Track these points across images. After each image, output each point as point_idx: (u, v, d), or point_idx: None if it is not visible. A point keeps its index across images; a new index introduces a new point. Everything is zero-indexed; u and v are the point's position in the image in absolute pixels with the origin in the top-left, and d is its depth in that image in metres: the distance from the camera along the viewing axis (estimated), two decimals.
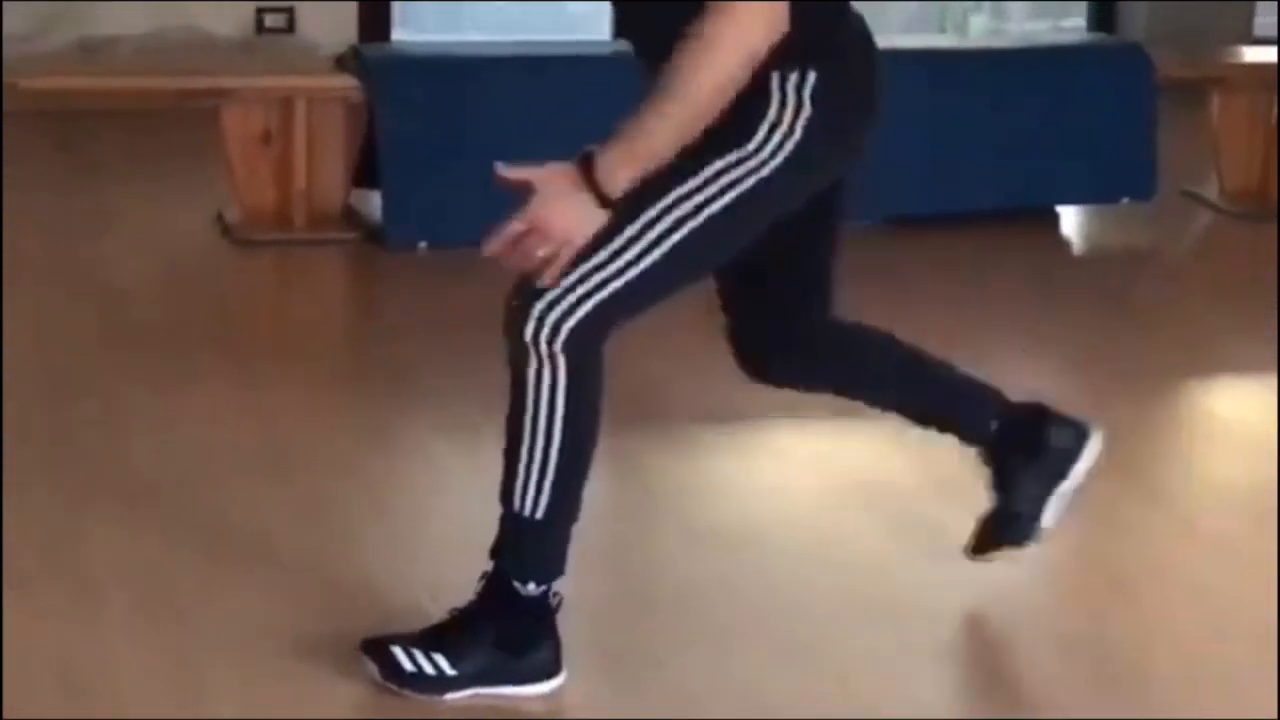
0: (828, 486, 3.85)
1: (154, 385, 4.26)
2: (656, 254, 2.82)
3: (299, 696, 2.93)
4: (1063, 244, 5.84)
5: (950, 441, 3.31)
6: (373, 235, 5.32)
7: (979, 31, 8.55)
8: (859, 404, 3.30)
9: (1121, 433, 4.20)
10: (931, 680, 3.10)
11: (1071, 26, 8.18)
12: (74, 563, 3.38)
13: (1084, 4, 8.07)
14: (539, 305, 2.80)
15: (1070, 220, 5.92)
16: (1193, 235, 5.98)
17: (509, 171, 2.80)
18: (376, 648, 2.98)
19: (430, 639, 2.99)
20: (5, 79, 5.51)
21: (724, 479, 4.04)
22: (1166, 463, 4.28)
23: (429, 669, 2.98)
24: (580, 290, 2.81)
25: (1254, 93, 6.03)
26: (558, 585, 2.96)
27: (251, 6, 6.83)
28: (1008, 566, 3.33)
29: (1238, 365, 4.91)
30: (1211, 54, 6.50)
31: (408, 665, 2.98)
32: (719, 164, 2.80)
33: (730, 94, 2.70)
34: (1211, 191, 6.07)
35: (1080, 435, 3.33)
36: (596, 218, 2.73)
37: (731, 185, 2.82)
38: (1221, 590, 3.40)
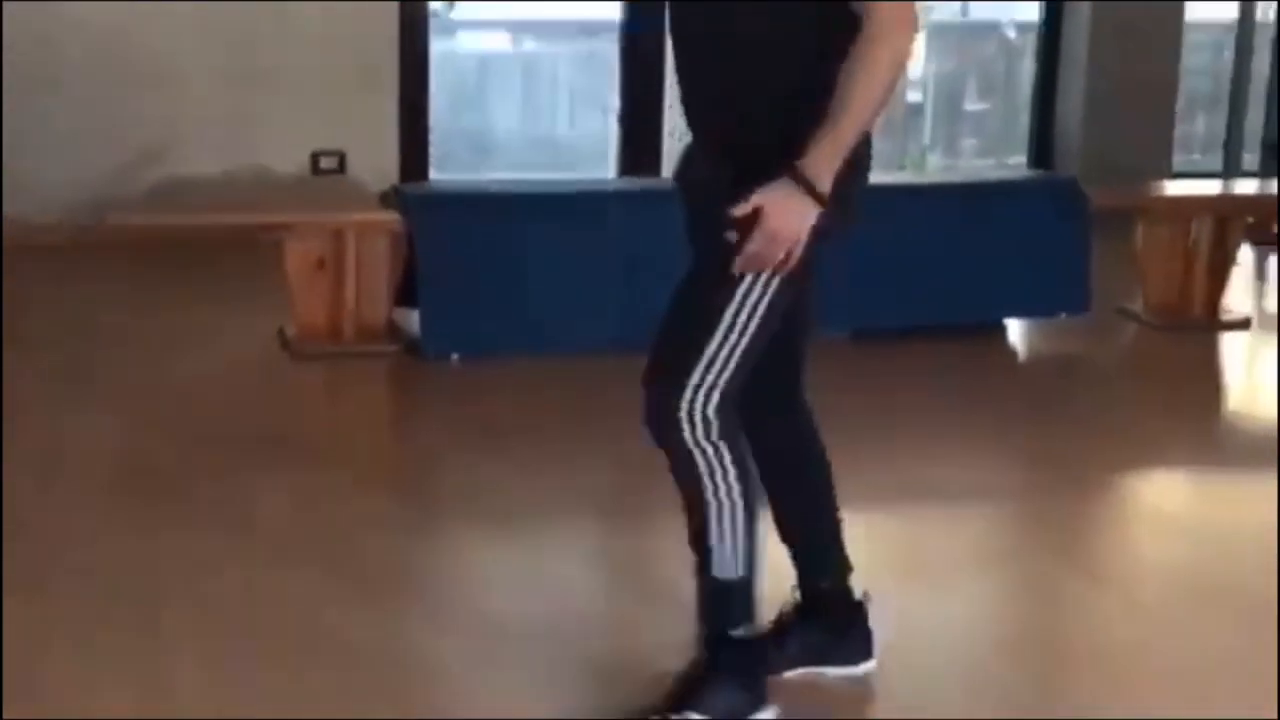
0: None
1: (222, 476, 4.29)
2: (751, 328, 2.82)
3: None
4: (1009, 353, 5.86)
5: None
6: (412, 347, 5.35)
7: (934, 168, 8.56)
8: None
9: (1065, 521, 4.28)
10: None
11: (1014, 163, 8.20)
12: (150, 635, 3.35)
13: (1024, 143, 8.11)
14: (683, 408, 2.83)
15: (1016, 332, 5.95)
16: (1123, 345, 6.00)
17: (739, 210, 2.71)
18: None
19: (678, 701, 3.00)
20: (99, 218, 5.55)
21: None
22: (1107, 548, 4.27)
23: None
24: (708, 381, 2.82)
25: (1174, 221, 6.06)
26: None
27: (308, 150, 6.85)
28: (959, 641, 3.32)
29: (1169, 460, 4.90)
30: (1136, 188, 6.54)
31: None
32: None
33: (892, 93, 2.72)
34: (1138, 307, 6.10)
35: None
36: (814, 211, 2.70)
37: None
38: (1165, 664, 3.35)
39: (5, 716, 2.78)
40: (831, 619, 3.22)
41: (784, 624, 3.22)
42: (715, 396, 2.84)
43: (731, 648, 3.02)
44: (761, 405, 3.04)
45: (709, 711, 2.98)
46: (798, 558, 3.23)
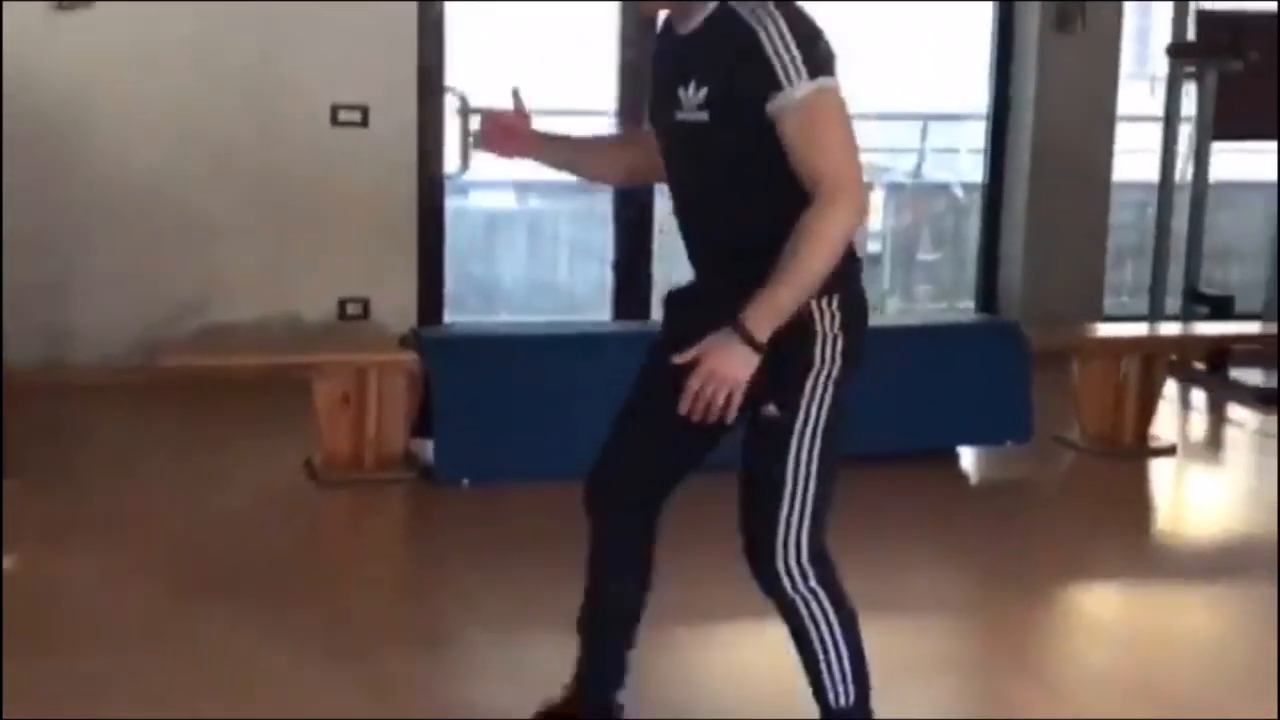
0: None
1: (256, 593, 4.29)
2: (815, 477, 2.86)
3: None
4: (961, 477, 5.86)
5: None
6: (426, 474, 5.35)
7: (893, 311, 8.52)
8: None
9: (1013, 630, 4.29)
10: None
11: (963, 307, 8.20)
12: None
13: (972, 290, 8.12)
14: (779, 566, 2.88)
15: (967, 458, 5.95)
16: (1062, 470, 6.00)
17: (680, 358, 2.75)
18: None
19: None
20: (149, 360, 5.57)
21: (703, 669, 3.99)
22: (1052, 655, 4.23)
23: None
24: (792, 539, 2.86)
25: (1105, 359, 6.07)
26: None
27: (335, 298, 6.85)
28: None
29: (1105, 573, 4.89)
30: (1072, 329, 6.55)
31: None
32: (808, 390, 2.83)
33: (836, 263, 2.72)
34: (1075, 435, 6.10)
35: None
36: (752, 360, 2.71)
37: (824, 397, 2.85)
38: None
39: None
40: None
41: None
42: (804, 547, 2.89)
43: None
44: (638, 505, 3.08)
45: None
46: (593, 666, 3.21)
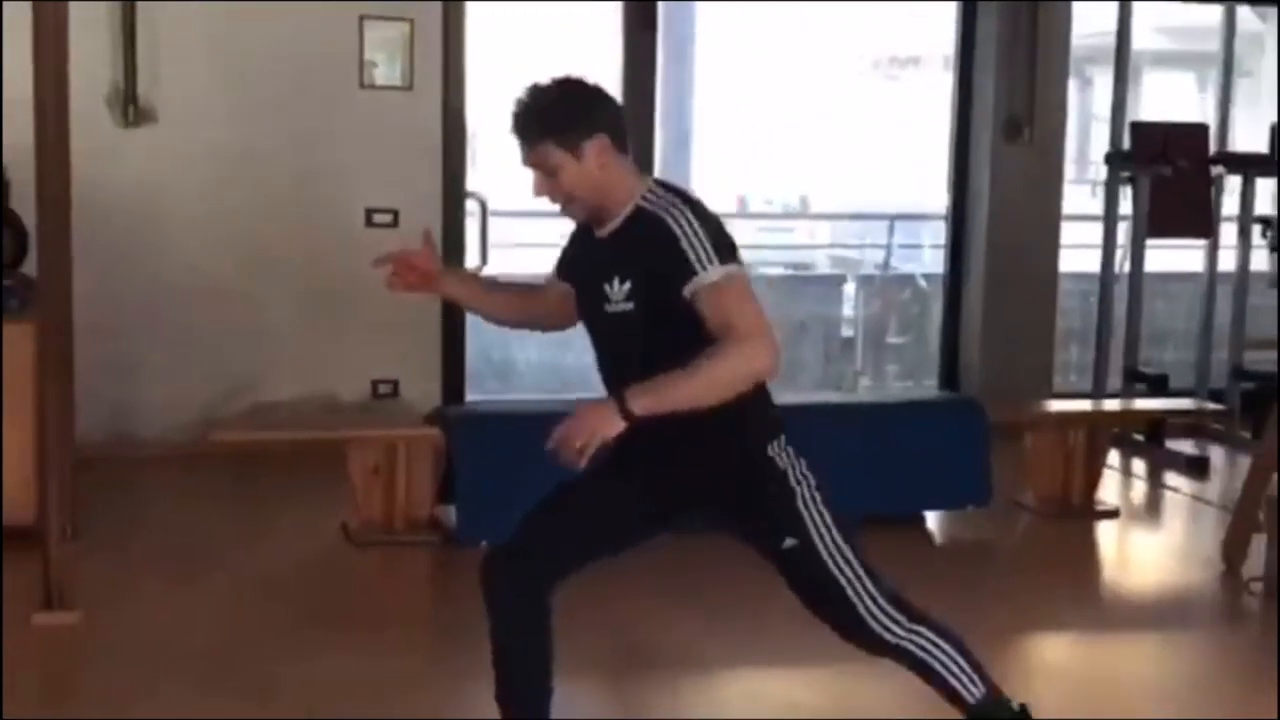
0: None
1: (296, 646, 4.28)
2: (849, 553, 2.94)
3: None
4: (927, 537, 5.81)
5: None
6: (449, 537, 5.32)
7: (864, 389, 8.56)
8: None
9: None
10: None
11: (927, 385, 8.18)
12: None
13: (935, 369, 8.08)
14: (873, 627, 2.94)
15: (932, 521, 5.91)
16: (1017, 531, 5.96)
17: (558, 430, 2.76)
18: None
19: None
20: (203, 435, 5.56)
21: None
22: (1011, 696, 4.16)
23: None
24: (865, 599, 2.93)
25: (1055, 431, 6.06)
26: None
27: (368, 379, 6.84)
28: None
29: (1058, 623, 4.86)
30: (1024, 405, 6.54)
31: None
32: (803, 511, 2.93)
33: (730, 396, 2.74)
34: (1029, 499, 6.08)
35: None
36: (617, 422, 2.71)
37: (817, 504, 2.95)
38: None
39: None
40: None
41: None
42: (880, 599, 2.94)
43: None
44: (538, 585, 3.03)
45: None
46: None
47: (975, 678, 3.06)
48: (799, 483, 2.94)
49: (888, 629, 2.95)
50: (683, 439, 2.84)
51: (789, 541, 2.90)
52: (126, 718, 3.71)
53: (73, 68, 4.50)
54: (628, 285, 2.83)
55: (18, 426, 4.93)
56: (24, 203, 5.17)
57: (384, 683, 3.99)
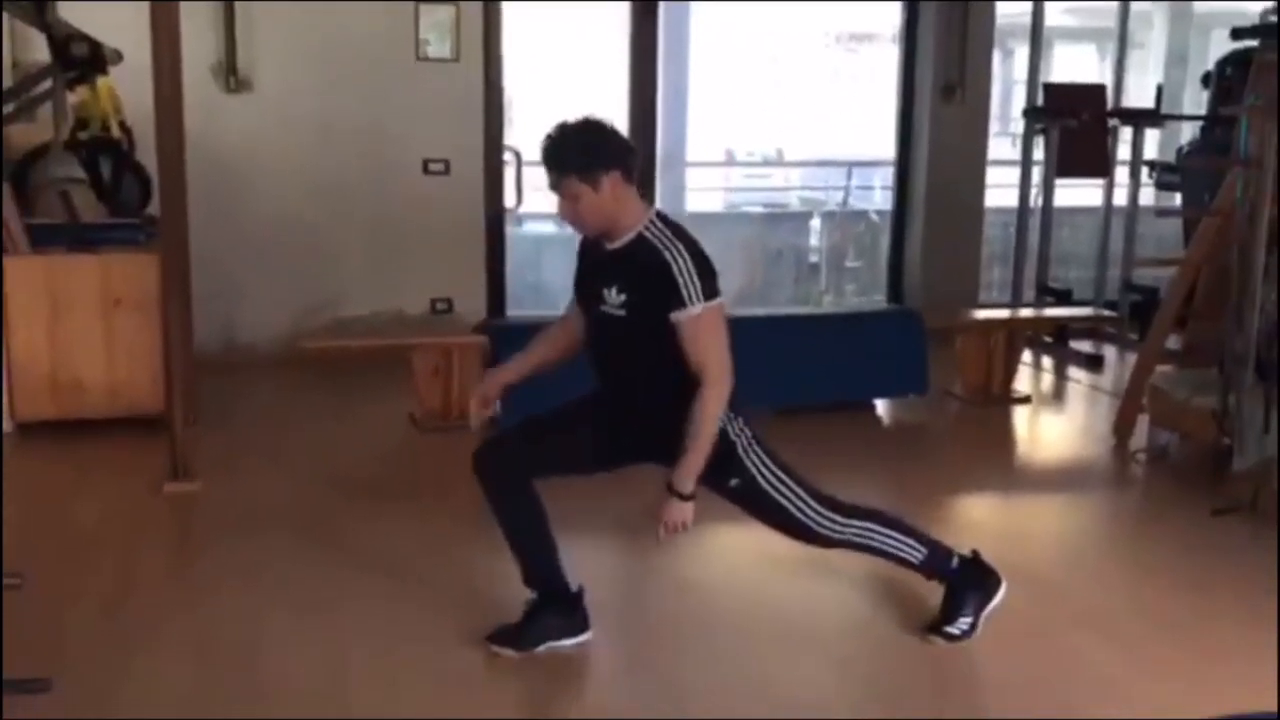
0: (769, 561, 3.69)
1: (371, 509, 4.28)
2: (786, 478, 2.98)
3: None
4: (877, 420, 5.78)
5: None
6: (495, 423, 5.12)
7: (827, 304, 8.54)
8: None
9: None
10: (835, 686, 3.01)
11: (878, 300, 8.10)
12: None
13: (884, 287, 7.98)
14: (817, 531, 3.00)
15: (881, 407, 5.88)
16: (949, 415, 5.92)
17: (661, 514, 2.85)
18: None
19: (940, 617, 3.13)
20: (294, 344, 5.54)
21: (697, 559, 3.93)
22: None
23: (955, 629, 3.13)
24: (806, 510, 2.99)
25: (980, 334, 6.04)
26: None
27: (428, 297, 6.79)
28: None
29: (981, 488, 4.87)
30: (956, 313, 6.48)
31: (955, 629, 3.11)
32: (742, 456, 2.94)
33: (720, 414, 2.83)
34: (958, 390, 6.06)
35: None
36: (688, 508, 2.84)
37: (754, 447, 2.96)
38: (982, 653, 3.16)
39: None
40: (561, 605, 3.12)
41: (530, 613, 3.13)
42: (819, 508, 3.00)
43: (963, 569, 3.17)
44: (518, 476, 3.06)
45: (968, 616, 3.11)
46: (532, 569, 3.12)
47: (911, 542, 3.09)
48: (738, 436, 2.93)
49: (830, 529, 3.01)
50: (653, 412, 2.89)
51: (734, 481, 2.93)
52: (236, 549, 3.79)
53: (183, 44, 4.46)
54: (623, 296, 2.84)
55: (149, 336, 4.95)
56: (146, 154, 5.17)
57: (440, 540, 3.97)
